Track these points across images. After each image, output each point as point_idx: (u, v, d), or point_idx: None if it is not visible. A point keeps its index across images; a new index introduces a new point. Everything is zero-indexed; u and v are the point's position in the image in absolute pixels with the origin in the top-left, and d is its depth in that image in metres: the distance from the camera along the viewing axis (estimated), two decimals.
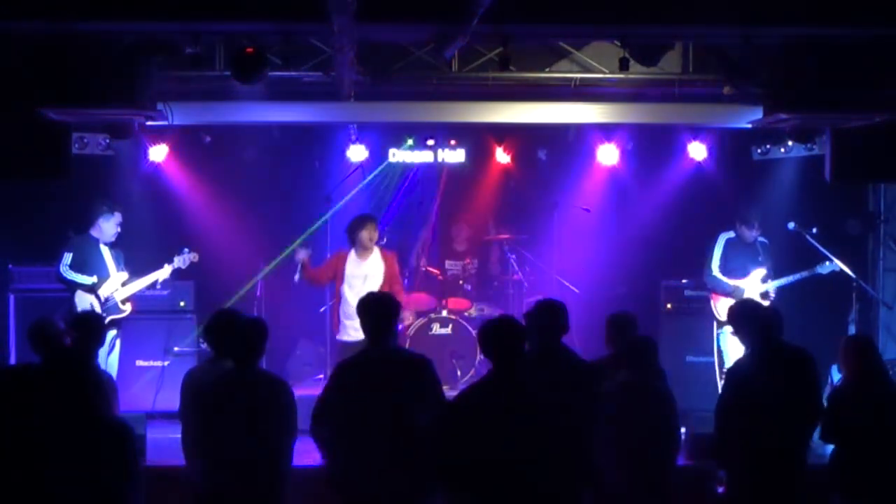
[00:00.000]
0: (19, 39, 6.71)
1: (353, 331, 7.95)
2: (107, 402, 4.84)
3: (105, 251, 8.60)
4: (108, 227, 8.61)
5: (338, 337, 8.39)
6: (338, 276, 8.38)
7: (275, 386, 5.21)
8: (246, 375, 5.14)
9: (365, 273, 8.31)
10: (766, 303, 8.27)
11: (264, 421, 5.07)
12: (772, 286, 8.76)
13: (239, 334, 5.21)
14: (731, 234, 8.91)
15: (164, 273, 8.79)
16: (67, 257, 8.45)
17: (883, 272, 9.76)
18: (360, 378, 5.12)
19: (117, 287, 8.54)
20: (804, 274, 8.77)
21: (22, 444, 4.26)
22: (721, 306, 8.63)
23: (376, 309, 5.29)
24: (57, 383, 4.40)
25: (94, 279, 8.43)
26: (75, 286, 8.41)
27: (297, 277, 8.50)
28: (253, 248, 9.86)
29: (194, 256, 8.89)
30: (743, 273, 8.81)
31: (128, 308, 8.58)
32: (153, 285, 8.85)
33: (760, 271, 8.78)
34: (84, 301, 8.39)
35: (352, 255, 8.40)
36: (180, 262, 8.82)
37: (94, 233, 8.60)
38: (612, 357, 5.93)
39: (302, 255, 8.44)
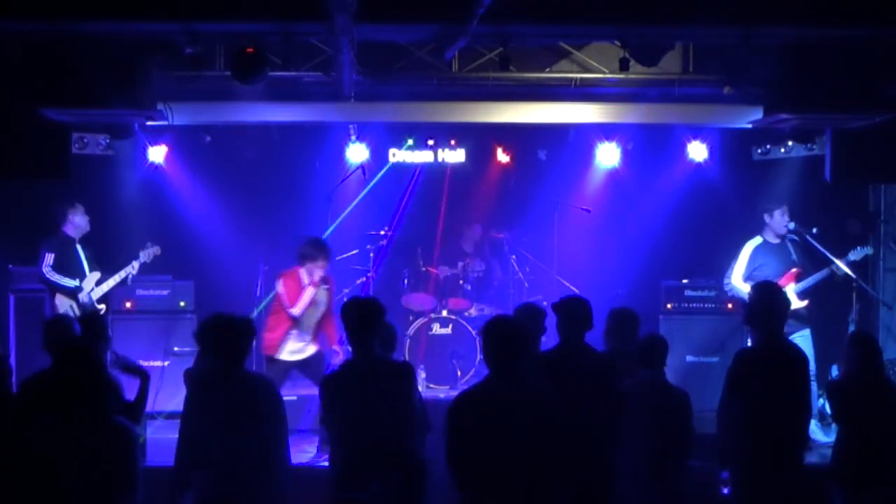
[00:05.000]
0: (19, 39, 6.71)
1: None
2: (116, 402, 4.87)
3: (81, 251, 8.57)
4: (78, 219, 8.58)
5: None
6: None
7: (259, 386, 5.13)
8: (228, 375, 5.05)
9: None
10: (803, 303, 8.32)
11: (249, 421, 4.98)
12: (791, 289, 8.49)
13: (217, 333, 5.10)
14: (759, 241, 8.60)
15: (132, 269, 8.78)
16: (50, 258, 8.37)
17: (883, 272, 9.77)
18: (348, 388, 5.05)
19: (92, 286, 8.52)
20: (824, 272, 8.68)
21: (38, 445, 4.31)
22: None
23: (359, 316, 5.13)
24: (73, 386, 4.46)
25: (76, 282, 8.39)
26: (57, 288, 8.37)
27: None
28: (253, 248, 9.86)
29: (157, 250, 8.88)
30: (776, 277, 8.68)
31: (102, 307, 8.55)
32: (125, 281, 8.82)
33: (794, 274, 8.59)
34: (63, 303, 8.34)
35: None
36: (145, 256, 8.81)
37: (68, 230, 8.56)
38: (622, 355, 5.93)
39: None
